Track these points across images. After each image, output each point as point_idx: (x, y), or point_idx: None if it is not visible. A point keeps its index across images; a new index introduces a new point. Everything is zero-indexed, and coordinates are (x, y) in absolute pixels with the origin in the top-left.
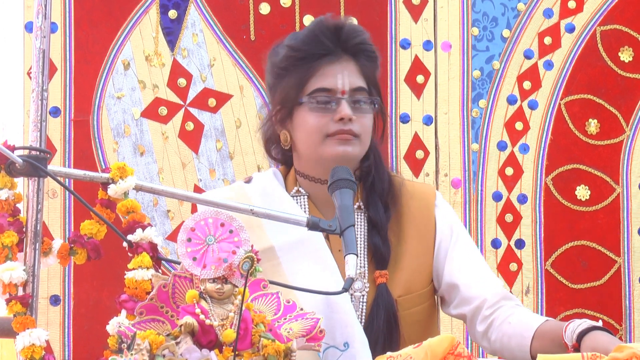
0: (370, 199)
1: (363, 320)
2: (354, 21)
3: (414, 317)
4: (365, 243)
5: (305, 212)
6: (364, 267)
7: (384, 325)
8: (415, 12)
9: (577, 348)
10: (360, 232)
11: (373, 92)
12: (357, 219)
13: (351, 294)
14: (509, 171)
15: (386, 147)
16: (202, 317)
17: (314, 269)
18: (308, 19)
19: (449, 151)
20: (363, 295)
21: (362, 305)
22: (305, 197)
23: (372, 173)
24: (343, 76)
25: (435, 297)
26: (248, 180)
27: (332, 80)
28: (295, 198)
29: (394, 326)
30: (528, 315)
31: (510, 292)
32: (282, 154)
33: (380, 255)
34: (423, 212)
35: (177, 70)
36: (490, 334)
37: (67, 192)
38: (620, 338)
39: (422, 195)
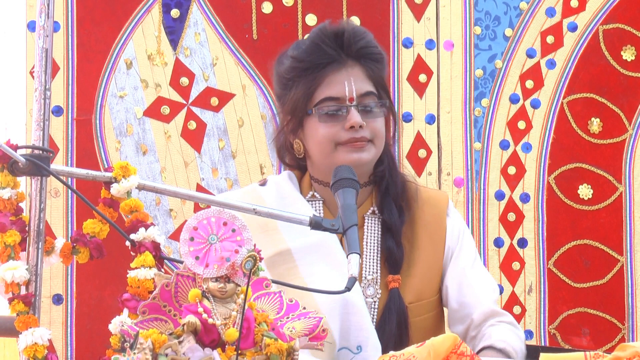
0: (384, 203)
1: (374, 325)
2: (357, 21)
3: (422, 324)
4: (379, 248)
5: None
6: (377, 272)
7: (395, 329)
8: (418, 11)
9: None
10: (374, 237)
11: (382, 94)
12: (372, 224)
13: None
14: (512, 170)
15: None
16: (204, 316)
17: (329, 272)
18: (310, 18)
19: (451, 150)
20: (375, 302)
21: (374, 311)
22: (321, 202)
23: (387, 177)
24: (349, 83)
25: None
26: (263, 183)
27: (339, 88)
28: (310, 202)
29: (405, 331)
30: (500, 331)
31: (513, 291)
32: (295, 161)
33: (393, 260)
34: (436, 219)
35: (180, 69)
36: None
37: (69, 191)
38: (623, 337)
39: (436, 202)
